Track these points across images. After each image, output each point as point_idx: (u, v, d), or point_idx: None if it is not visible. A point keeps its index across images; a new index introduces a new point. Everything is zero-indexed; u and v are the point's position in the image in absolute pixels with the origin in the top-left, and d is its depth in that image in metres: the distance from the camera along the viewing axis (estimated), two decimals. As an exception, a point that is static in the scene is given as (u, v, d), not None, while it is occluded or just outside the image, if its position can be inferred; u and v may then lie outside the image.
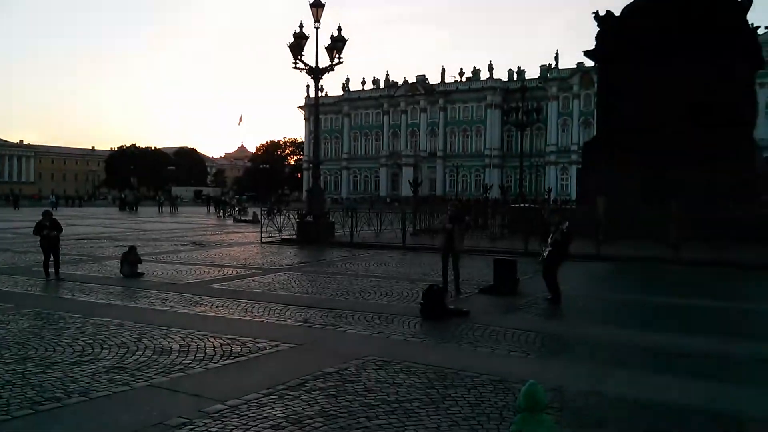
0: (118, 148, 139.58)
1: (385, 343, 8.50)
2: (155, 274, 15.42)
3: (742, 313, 11.29)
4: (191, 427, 5.37)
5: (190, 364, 7.36)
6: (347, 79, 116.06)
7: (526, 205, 27.49)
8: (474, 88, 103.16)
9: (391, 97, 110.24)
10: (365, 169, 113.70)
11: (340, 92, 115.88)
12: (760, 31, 29.68)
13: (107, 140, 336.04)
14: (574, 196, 36.49)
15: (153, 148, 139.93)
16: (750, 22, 25.93)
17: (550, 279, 12.02)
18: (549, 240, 12.03)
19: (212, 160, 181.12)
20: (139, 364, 7.34)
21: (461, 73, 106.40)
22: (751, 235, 19.77)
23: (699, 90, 24.97)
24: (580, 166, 33.75)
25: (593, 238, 19.75)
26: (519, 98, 48.18)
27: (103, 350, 7.94)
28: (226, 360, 7.55)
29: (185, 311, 10.73)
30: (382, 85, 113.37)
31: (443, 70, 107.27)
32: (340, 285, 13.87)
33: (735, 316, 10.92)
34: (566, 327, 9.89)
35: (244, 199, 71.51)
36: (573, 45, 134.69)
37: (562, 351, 8.32)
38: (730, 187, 22.72)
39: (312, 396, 6.22)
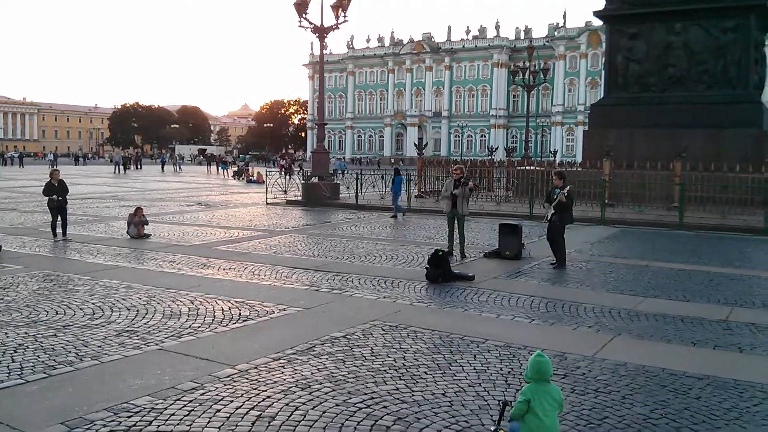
0: (121, 106, 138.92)
1: (392, 308, 8.60)
2: (162, 235, 15.52)
3: (746, 279, 11.36)
4: (202, 391, 5.48)
5: (199, 327, 7.47)
6: (351, 37, 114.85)
7: (532, 167, 27.38)
8: (480, 47, 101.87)
9: (396, 55, 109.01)
10: (369, 128, 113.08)
11: (345, 50, 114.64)
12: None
13: (111, 98, 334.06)
14: (579, 158, 36.32)
15: (156, 107, 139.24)
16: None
17: (556, 242, 12.08)
18: (553, 203, 12.03)
19: (216, 118, 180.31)
20: (149, 327, 7.45)
21: (467, 32, 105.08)
22: (756, 196, 19.75)
23: (709, 51, 24.73)
24: (586, 128, 33.57)
25: (598, 201, 19.77)
26: (526, 57, 47.63)
27: (113, 313, 8.05)
28: (234, 324, 7.65)
29: (193, 274, 10.83)
30: (387, 43, 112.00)
31: (449, 28, 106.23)
32: (346, 248, 13.96)
33: (739, 283, 10.98)
34: (570, 292, 9.97)
35: (248, 158, 71.18)
36: (582, 3, 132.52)
37: (566, 316, 8.41)
38: (737, 149, 22.66)
39: (320, 361, 6.33)
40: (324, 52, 28.10)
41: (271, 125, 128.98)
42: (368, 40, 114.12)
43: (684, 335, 7.61)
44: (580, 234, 16.33)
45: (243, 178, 46.01)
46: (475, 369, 6.18)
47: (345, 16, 25.61)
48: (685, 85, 25.08)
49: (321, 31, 25.79)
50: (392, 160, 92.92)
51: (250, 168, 50.23)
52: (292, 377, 5.86)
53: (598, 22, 46.48)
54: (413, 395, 5.48)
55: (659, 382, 5.97)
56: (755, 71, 25.41)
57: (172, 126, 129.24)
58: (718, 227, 18.21)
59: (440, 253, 10.70)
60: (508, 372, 6.11)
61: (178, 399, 5.31)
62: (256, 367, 6.10)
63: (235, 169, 52.06)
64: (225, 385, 5.65)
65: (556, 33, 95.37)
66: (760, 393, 5.74)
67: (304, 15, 25.12)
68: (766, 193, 18.50)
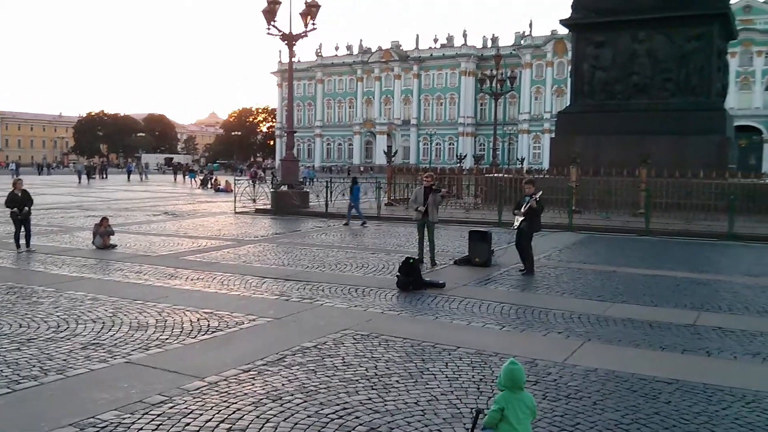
0: (86, 114, 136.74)
1: (363, 316, 8.56)
2: (128, 245, 15.28)
3: (712, 284, 11.54)
4: (171, 405, 5.38)
5: (167, 339, 7.35)
6: (320, 45, 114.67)
7: (500, 175, 27.59)
8: (448, 55, 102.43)
9: (364, 63, 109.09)
10: (339, 136, 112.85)
11: (314, 58, 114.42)
12: (732, 1, 29.90)
13: (76, 107, 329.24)
14: (546, 165, 36.73)
15: (122, 115, 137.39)
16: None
17: (524, 249, 12.17)
18: (522, 209, 12.12)
19: (183, 127, 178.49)
20: (115, 340, 7.30)
21: (435, 40, 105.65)
22: (720, 202, 20.12)
23: (673, 59, 25.21)
24: (552, 135, 33.94)
25: (566, 208, 19.97)
26: (493, 66, 48.07)
27: (79, 326, 7.88)
28: (203, 335, 7.54)
29: (160, 284, 10.66)
30: (355, 51, 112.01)
31: (417, 37, 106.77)
32: (316, 257, 13.88)
33: (705, 288, 11.15)
34: (540, 298, 10.04)
35: (215, 167, 70.53)
36: (548, 12, 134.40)
37: (536, 323, 8.45)
38: (700, 155, 23.10)
39: (291, 371, 6.26)
40: (293, 59, 28.01)
41: (240, 133, 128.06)
42: (337, 48, 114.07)
43: (653, 340, 7.69)
44: (548, 240, 16.47)
45: (209, 187, 45.58)
46: (447, 377, 6.17)
47: (314, 24, 25.57)
48: (650, 93, 25.51)
49: (290, 39, 25.72)
50: (361, 169, 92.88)
51: (215, 177, 49.77)
52: (263, 389, 5.78)
53: (563, 31, 47.09)
54: (386, 405, 5.44)
55: (629, 387, 6.02)
56: (718, 79, 25.93)
57: (138, 134, 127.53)
58: (683, 233, 18.50)
59: (411, 260, 10.69)
60: (480, 379, 6.11)
61: (146, 413, 5.21)
62: (225, 379, 6.01)
63: (201, 177, 51.52)
64: (194, 398, 5.55)
65: (522, 41, 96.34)
66: (729, 396, 5.82)
67: (272, 22, 25.03)
68: (729, 198, 18.85)
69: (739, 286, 11.25)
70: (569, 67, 29.70)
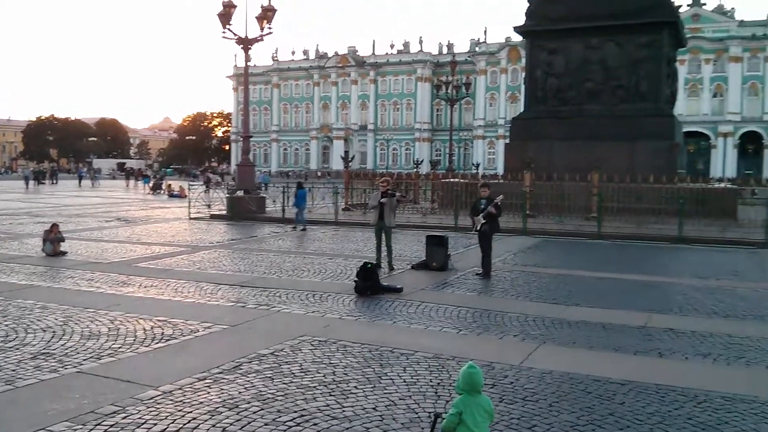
0: (36, 118, 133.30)
1: (321, 322, 8.51)
2: (79, 252, 14.92)
3: (662, 286, 11.81)
4: (124, 415, 5.26)
5: (120, 348, 7.19)
6: (276, 50, 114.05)
7: (457, 180, 27.81)
8: (405, 61, 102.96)
9: (321, 68, 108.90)
10: (295, 141, 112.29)
11: (270, 62, 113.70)
12: (681, 10, 30.73)
13: (25, 111, 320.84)
14: (501, 171, 37.16)
15: (73, 119, 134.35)
16: (672, 1, 26.86)
17: (485, 252, 12.30)
18: (482, 214, 12.25)
19: (135, 131, 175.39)
20: (66, 349, 7.11)
21: (392, 46, 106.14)
22: (669, 206, 20.60)
23: (624, 67, 25.78)
24: (507, 141, 34.37)
25: (520, 213, 20.23)
26: (449, 72, 48.50)
27: (28, 335, 7.66)
28: (157, 343, 7.40)
29: (112, 292, 10.43)
30: (312, 56, 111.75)
31: (374, 43, 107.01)
32: (273, 262, 13.77)
33: (655, 290, 11.40)
34: (496, 302, 10.13)
35: (169, 172, 69.52)
36: (502, 20, 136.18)
37: (493, 326, 8.53)
38: (650, 160, 23.66)
39: (248, 379, 6.19)
40: (248, 63, 27.80)
41: (194, 138, 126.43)
42: (293, 53, 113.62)
43: (606, 342, 7.82)
44: (503, 244, 16.64)
45: (160, 192, 44.89)
46: (405, 381, 6.17)
47: (270, 28, 25.44)
48: (601, 99, 26.05)
49: (245, 43, 25.54)
50: (319, 174, 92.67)
51: (164, 182, 49.05)
52: (219, 397, 5.70)
53: (517, 38, 47.75)
54: (344, 411, 5.42)
55: (584, 389, 6.10)
56: (667, 86, 26.61)
57: (89, 139, 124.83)
58: (634, 236, 18.91)
59: (369, 265, 10.69)
60: (438, 383, 6.13)
61: (99, 424, 5.08)
62: (180, 388, 5.90)
63: (152, 183, 50.70)
64: (148, 407, 5.44)
65: (477, 48, 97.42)
66: (681, 397, 5.94)
67: (227, 26, 24.81)
68: (678, 202, 19.34)
69: (688, 288, 11.54)
70: (523, 74, 30.15)
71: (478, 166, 75.52)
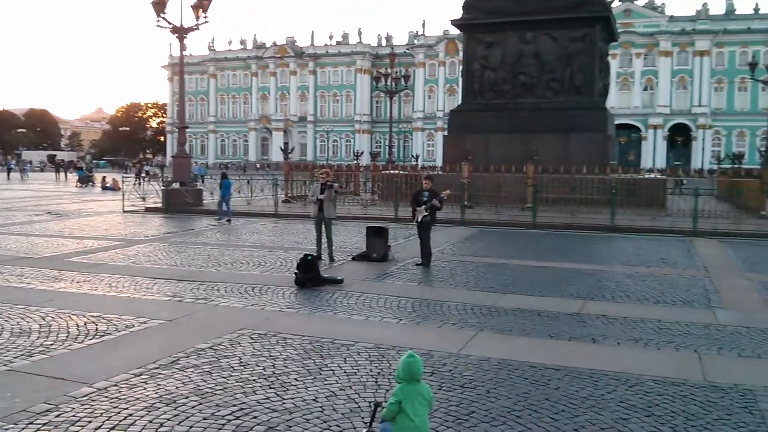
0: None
1: (260, 315, 8.45)
2: (8, 247, 14.39)
3: (596, 274, 12.16)
4: (57, 413, 5.12)
5: (52, 345, 6.98)
6: (213, 39, 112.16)
7: (397, 171, 27.95)
8: (344, 53, 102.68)
9: (259, 58, 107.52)
10: (233, 133, 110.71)
11: (206, 52, 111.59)
12: (613, 5, 31.57)
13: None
14: (440, 162, 37.53)
15: (0, 110, 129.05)
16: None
17: (425, 243, 12.44)
18: (425, 206, 12.38)
19: (67, 122, 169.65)
20: (-6, 347, 6.87)
21: (331, 37, 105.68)
22: (602, 196, 21.20)
23: (558, 60, 26.33)
24: (445, 133, 34.72)
25: (459, 204, 20.48)
26: (388, 64, 48.60)
27: (-48, 334, 7.36)
28: (91, 340, 7.21)
29: (43, 288, 10.10)
30: (249, 46, 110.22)
31: (312, 34, 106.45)
32: (211, 256, 13.57)
33: (589, 278, 11.73)
34: (436, 291, 10.25)
35: (103, 164, 67.65)
36: (440, 12, 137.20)
37: (432, 315, 8.63)
38: (584, 152, 24.28)
39: (185, 374, 6.10)
40: (184, 53, 27.23)
41: (128, 129, 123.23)
42: (230, 43, 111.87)
43: (542, 329, 8.02)
44: (442, 235, 16.82)
45: (89, 185, 43.70)
46: (345, 372, 6.20)
47: (206, 17, 24.96)
48: (536, 92, 26.58)
49: (180, 32, 24.99)
50: (258, 165, 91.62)
51: (93, 174, 47.80)
52: (156, 393, 5.60)
53: (455, 31, 48.18)
54: (284, 403, 5.40)
55: (521, 375, 6.25)
56: (600, 79, 27.32)
57: (18, 131, 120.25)
58: (568, 226, 19.39)
59: (309, 257, 10.65)
60: (378, 373, 6.18)
61: (31, 422, 4.94)
62: (116, 385, 5.78)
63: (89, 174, 49.25)
64: (82, 405, 5.31)
65: (415, 41, 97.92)
66: (614, 381, 6.13)
67: (162, 14, 24.24)
68: (610, 193, 19.91)
69: (620, 275, 11.91)
70: (461, 67, 30.43)
71: (417, 157, 76.02)
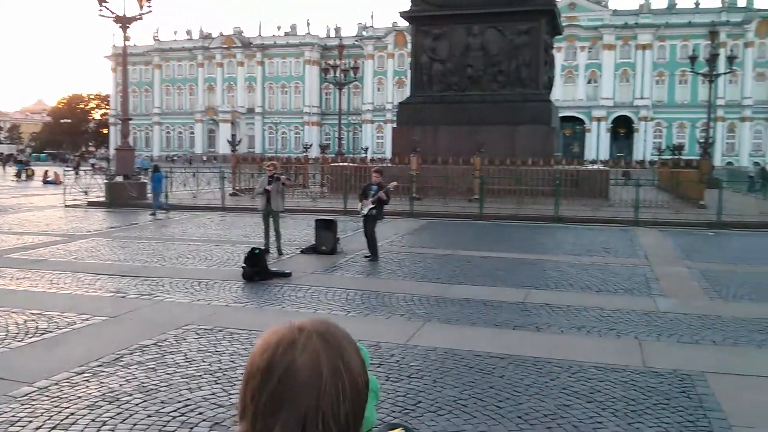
0: None
1: (206, 310, 8.36)
2: (-59, 244, 13.88)
3: (540, 263, 12.41)
4: (-6, 414, 4.99)
5: (-11, 344, 6.78)
6: (157, 29, 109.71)
7: (346, 164, 27.91)
8: (292, 44, 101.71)
9: (206, 48, 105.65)
10: (179, 124, 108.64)
11: (151, 42, 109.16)
12: (558, -1, 32.03)
13: None
14: (389, 154, 37.61)
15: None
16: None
17: (371, 236, 12.44)
18: (371, 198, 12.36)
19: (5, 114, 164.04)
20: (-73, 348, 6.64)
21: (279, 28, 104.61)
22: (546, 187, 21.59)
23: (504, 53, 26.63)
24: (395, 125, 34.82)
25: (407, 196, 20.59)
26: (336, 56, 48.44)
27: None
28: (31, 338, 7.03)
29: (-20, 286, 9.79)
30: (196, 36, 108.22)
31: (260, 24, 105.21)
32: (156, 251, 13.34)
33: (533, 267, 11.96)
34: (384, 283, 10.31)
35: (44, 157, 65.67)
36: (389, 4, 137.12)
37: (380, 307, 8.68)
38: (529, 144, 24.66)
39: (129, 371, 6.00)
40: (128, 43, 26.59)
41: (70, 121, 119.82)
42: (176, 33, 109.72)
43: (487, 318, 8.15)
44: (391, 227, 16.89)
45: (24, 179, 42.56)
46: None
47: (149, 6, 24.43)
48: (483, 85, 26.84)
49: (123, 21, 24.40)
50: (204, 158, 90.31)
51: (30, 168, 46.59)
52: (98, 391, 5.50)
53: (404, 24, 48.26)
54: (230, 398, 5.37)
55: (466, 364, 6.34)
56: (545, 72, 27.73)
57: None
58: (514, 217, 19.70)
59: (256, 251, 10.57)
60: (326, 366, 6.17)
61: (-35, 425, 4.80)
62: (57, 383, 5.65)
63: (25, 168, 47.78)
64: (22, 404, 5.18)
65: (364, 33, 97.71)
66: (557, 368, 6.28)
67: (104, 3, 23.64)
68: (554, 184, 20.29)
69: (564, 264, 12.17)
70: (409, 59, 30.50)
71: (367, 150, 76.02)
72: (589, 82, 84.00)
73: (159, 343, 6.87)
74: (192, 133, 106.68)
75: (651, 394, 5.66)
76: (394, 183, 12.87)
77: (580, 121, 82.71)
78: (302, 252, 13.05)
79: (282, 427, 1.06)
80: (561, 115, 37.68)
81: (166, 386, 5.63)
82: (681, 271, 11.76)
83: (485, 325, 7.86)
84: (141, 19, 24.66)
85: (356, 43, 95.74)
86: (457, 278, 10.68)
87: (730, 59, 41.90)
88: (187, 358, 6.39)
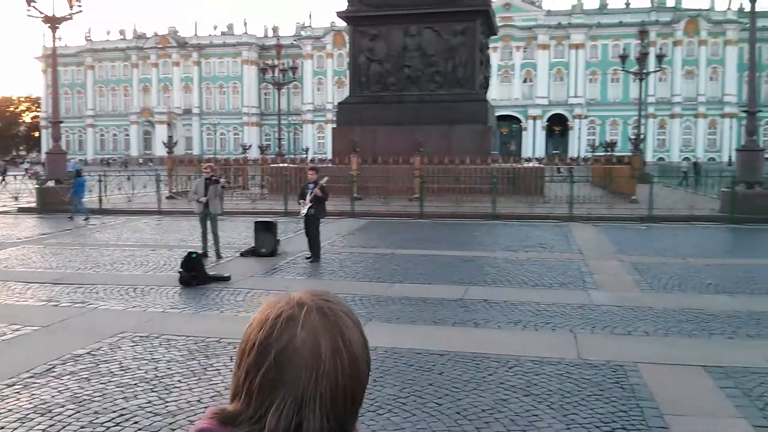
0: None
1: (142, 317, 8.20)
2: None
3: (478, 260, 12.59)
4: None
5: None
6: (90, 29, 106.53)
7: (286, 164, 27.73)
8: (229, 43, 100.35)
9: (140, 48, 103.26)
10: (113, 126, 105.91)
11: (83, 43, 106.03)
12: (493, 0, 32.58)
13: None
14: (330, 155, 37.53)
15: None
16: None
17: (313, 236, 12.36)
18: (308, 198, 12.28)
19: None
20: None
21: (215, 27, 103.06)
22: (484, 185, 21.89)
23: (440, 53, 26.91)
24: (335, 125, 34.79)
25: (348, 195, 20.60)
26: (275, 56, 48.04)
27: None
28: (-44, 351, 6.77)
29: None
30: (129, 36, 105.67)
31: (196, 24, 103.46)
32: (89, 257, 12.99)
33: (472, 264, 12.13)
34: (325, 284, 10.28)
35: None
36: (328, 4, 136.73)
37: (321, 309, 8.64)
38: (466, 143, 25.00)
39: (62, 382, 5.84)
40: (58, 44, 25.81)
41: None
42: (108, 33, 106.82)
43: (427, 315, 8.23)
44: (332, 227, 16.85)
45: None
46: (231, 371, 6.10)
47: (79, 6, 23.74)
48: (420, 85, 27.07)
49: (53, 21, 23.65)
50: (140, 161, 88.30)
51: None
52: (30, 403, 5.34)
53: (342, 24, 48.31)
54: (167, 406, 5.29)
55: (406, 362, 6.39)
56: (481, 72, 28.14)
57: None
58: (453, 215, 19.93)
59: (194, 255, 10.41)
60: (266, 370, 6.13)
61: None
62: (-16, 397, 5.46)
63: None
64: (-55, 421, 4.98)
65: (303, 32, 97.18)
66: (494, 363, 6.38)
67: (32, 3, 22.86)
68: (492, 182, 20.61)
69: (501, 261, 12.39)
70: (348, 59, 30.50)
71: (307, 150, 75.60)
72: (524, 81, 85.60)
73: (93, 352, 6.70)
74: (127, 135, 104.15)
75: (585, 385, 5.80)
76: (326, 178, 12.71)
77: (517, 120, 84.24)
78: (242, 255, 12.91)
79: (277, 409, 1.02)
80: (498, 114, 38.30)
81: (99, 396, 5.49)
82: (614, 265, 12.10)
83: (425, 322, 7.94)
84: (71, 19, 23.96)
85: (295, 42, 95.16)
86: (397, 277, 10.75)
87: (660, 58, 43.37)
88: (121, 367, 6.25)
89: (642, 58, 38.47)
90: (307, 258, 12.36)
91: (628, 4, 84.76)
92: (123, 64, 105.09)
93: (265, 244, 12.89)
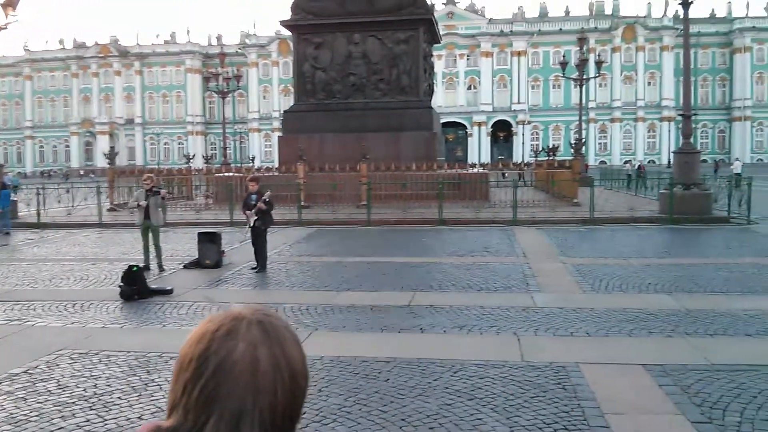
0: None
1: (81, 333, 7.98)
2: None
3: (425, 266, 12.66)
4: None
5: None
6: (27, 39, 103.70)
7: (231, 174, 27.42)
8: (172, 52, 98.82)
9: (80, 58, 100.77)
10: (53, 138, 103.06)
11: (21, 53, 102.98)
12: (437, 8, 32.93)
13: None
14: (277, 163, 37.28)
15: None
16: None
17: (260, 246, 12.25)
18: (253, 210, 12.19)
19: None
20: None
21: (157, 36, 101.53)
22: (430, 191, 22.04)
23: (385, 61, 27.06)
24: (281, 133, 34.59)
25: (295, 204, 20.49)
26: (218, 64, 47.52)
27: None
28: None
29: None
30: (69, 45, 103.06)
31: (137, 33, 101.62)
32: (27, 273, 12.59)
33: (419, 270, 12.19)
34: (271, 295, 10.22)
35: None
36: (272, 12, 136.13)
37: (267, 319, 8.57)
38: (412, 149, 25.17)
39: (-4, 403, 5.64)
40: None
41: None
42: (47, 42, 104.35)
43: (374, 323, 8.24)
44: (279, 236, 16.74)
45: None
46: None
47: (14, 16, 23.02)
48: (366, 92, 27.16)
49: (-16, 31, 22.87)
50: (81, 172, 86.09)
51: None
52: (-40, 427, 5.14)
53: (287, 32, 48.13)
54: (106, 424, 5.16)
55: (352, 371, 6.38)
56: (425, 79, 28.36)
57: None
58: (400, 221, 20.00)
59: (135, 268, 10.19)
60: (209, 383, 6.04)
61: None
62: None
63: None
64: None
65: (247, 41, 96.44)
66: (440, 368, 6.43)
67: (-39, 12, 22.05)
68: (438, 187, 20.78)
69: (447, 266, 12.49)
70: (293, 67, 30.39)
71: (254, 159, 74.92)
72: (469, 88, 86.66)
73: (30, 371, 6.49)
74: (68, 146, 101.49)
75: (528, 387, 5.89)
76: (269, 192, 12.63)
77: (463, 126, 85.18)
78: (185, 267, 12.70)
79: (215, 424, 1.00)
80: (443, 120, 38.68)
81: (36, 416, 5.33)
82: (557, 267, 12.32)
83: (372, 330, 7.95)
84: (6, 29, 23.23)
85: (239, 51, 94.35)
86: (344, 285, 10.73)
87: (599, 64, 44.45)
88: (59, 385, 6.07)
89: (582, 65, 39.40)
90: (253, 268, 12.24)
91: (567, 12, 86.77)
92: (63, 74, 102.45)
93: (209, 255, 12.71)
